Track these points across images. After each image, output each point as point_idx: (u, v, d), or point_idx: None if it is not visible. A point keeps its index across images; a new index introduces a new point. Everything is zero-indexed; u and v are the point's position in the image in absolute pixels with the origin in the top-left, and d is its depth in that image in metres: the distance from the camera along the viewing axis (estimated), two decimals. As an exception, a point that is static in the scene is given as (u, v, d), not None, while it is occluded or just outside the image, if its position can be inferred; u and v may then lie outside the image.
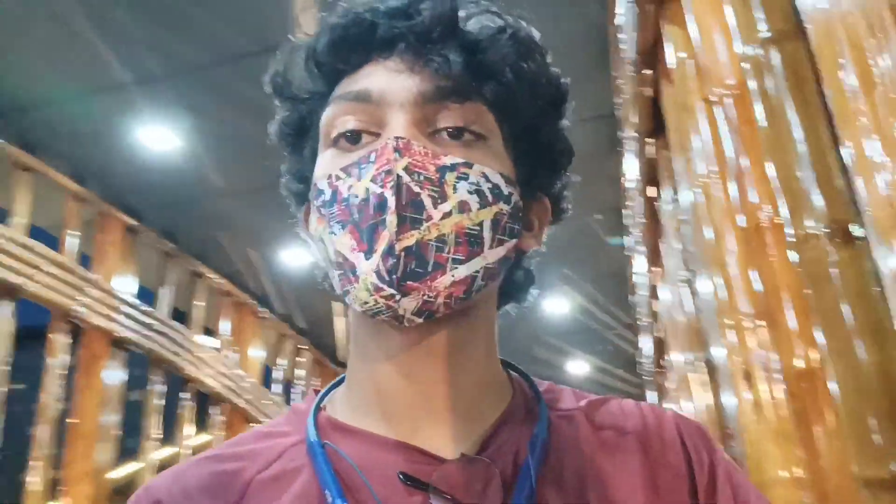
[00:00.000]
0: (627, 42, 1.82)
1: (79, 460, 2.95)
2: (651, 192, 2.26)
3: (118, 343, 3.18)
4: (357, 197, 0.50)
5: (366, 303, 0.49)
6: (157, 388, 3.52)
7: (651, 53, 1.71)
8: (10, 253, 2.66)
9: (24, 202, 2.83)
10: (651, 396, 3.79)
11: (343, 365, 5.31)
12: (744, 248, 1.17)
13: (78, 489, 2.89)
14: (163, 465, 3.52)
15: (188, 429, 3.79)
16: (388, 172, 0.48)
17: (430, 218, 0.48)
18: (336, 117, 0.53)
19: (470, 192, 0.50)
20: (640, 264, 3.02)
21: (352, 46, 0.54)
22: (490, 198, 0.51)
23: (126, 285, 3.34)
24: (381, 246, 0.48)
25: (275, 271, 4.39)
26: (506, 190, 0.53)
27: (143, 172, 3.18)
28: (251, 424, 4.32)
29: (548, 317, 5.34)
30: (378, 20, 0.54)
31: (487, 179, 0.52)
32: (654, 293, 2.87)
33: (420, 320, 0.49)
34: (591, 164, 3.37)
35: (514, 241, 0.54)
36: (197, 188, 3.42)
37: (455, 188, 0.50)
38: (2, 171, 2.83)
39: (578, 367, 6.46)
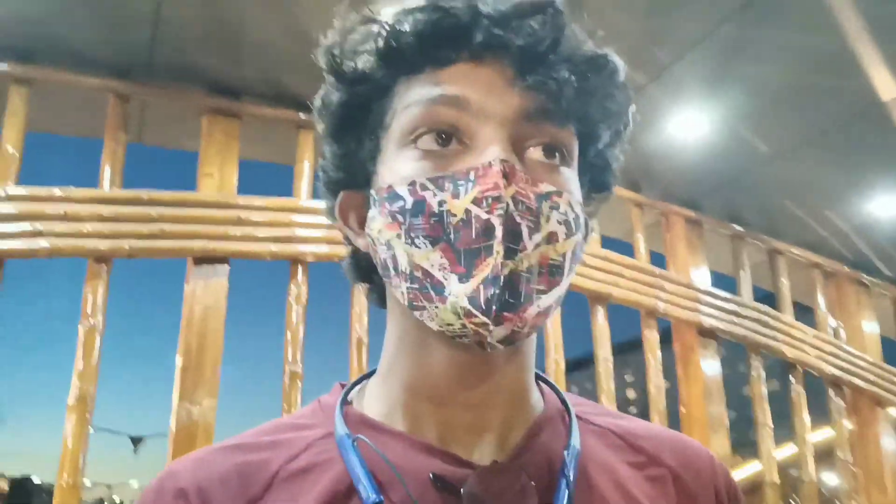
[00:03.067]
0: None
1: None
2: None
3: (705, 333, 3.20)
4: (454, 216, 0.48)
5: (450, 325, 0.48)
6: (758, 375, 3.37)
7: None
8: (593, 266, 3.03)
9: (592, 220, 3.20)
10: None
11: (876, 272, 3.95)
12: None
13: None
14: (782, 467, 3.33)
15: (804, 418, 3.48)
16: (497, 199, 0.47)
17: (524, 248, 0.47)
18: (424, 119, 0.51)
19: (559, 223, 0.49)
20: None
21: (443, 44, 0.51)
22: (573, 228, 0.50)
23: (701, 276, 3.37)
24: (481, 273, 0.47)
25: (864, 228, 3.71)
26: (582, 219, 0.52)
27: (685, 163, 3.19)
28: (888, 409, 3.70)
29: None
30: (478, 22, 0.51)
31: (572, 209, 0.51)
32: None
33: (502, 348, 0.48)
34: None
35: (579, 264, 0.53)
36: (741, 162, 3.21)
37: (548, 219, 0.49)
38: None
39: None
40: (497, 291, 0.46)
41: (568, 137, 0.52)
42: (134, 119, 2.53)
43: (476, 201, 0.47)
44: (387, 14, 0.53)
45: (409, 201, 0.50)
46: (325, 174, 0.59)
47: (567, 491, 0.50)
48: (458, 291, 0.47)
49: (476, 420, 0.53)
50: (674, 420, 2.98)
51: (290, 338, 2.52)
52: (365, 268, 0.57)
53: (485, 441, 0.52)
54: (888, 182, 3.36)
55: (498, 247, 0.46)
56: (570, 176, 0.53)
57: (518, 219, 0.47)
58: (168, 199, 2.42)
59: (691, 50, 2.56)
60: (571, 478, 0.51)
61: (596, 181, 0.58)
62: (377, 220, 0.52)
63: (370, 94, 0.55)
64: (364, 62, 0.54)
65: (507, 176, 0.47)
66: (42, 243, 2.22)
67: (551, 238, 0.49)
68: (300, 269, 2.58)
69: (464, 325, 0.47)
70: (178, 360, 2.35)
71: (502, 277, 0.46)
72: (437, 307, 0.48)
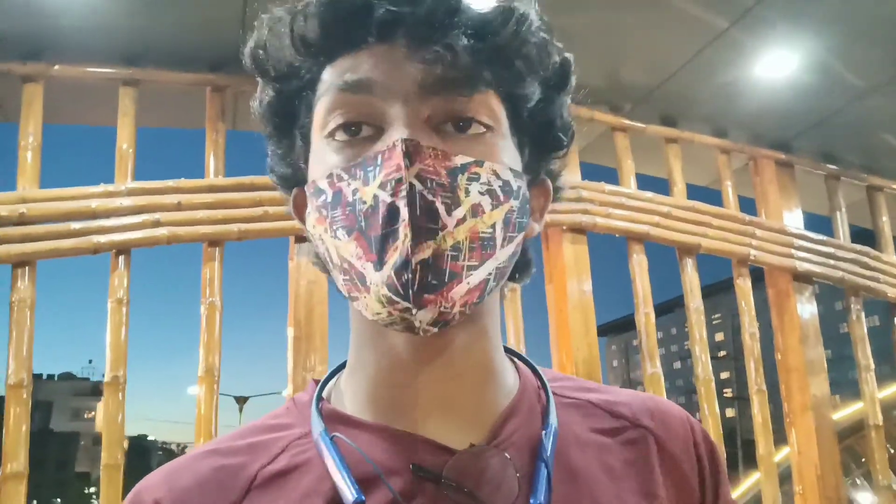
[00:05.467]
0: None
1: (795, 394, 3.04)
2: None
3: (800, 278, 3.14)
4: (364, 203, 0.47)
5: (378, 313, 0.47)
6: (858, 317, 3.28)
7: None
8: (680, 217, 3.01)
9: (676, 169, 3.16)
10: None
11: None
12: None
13: (801, 422, 2.98)
14: (886, 404, 3.24)
15: (911, 357, 3.38)
16: (399, 181, 0.45)
17: (444, 227, 0.46)
18: (333, 108, 0.50)
19: (482, 194, 0.48)
20: None
21: (346, 27, 0.49)
22: (501, 196, 0.49)
23: (794, 220, 3.28)
24: (392, 258, 0.45)
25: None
26: (515, 185, 0.50)
27: (774, 104, 3.07)
28: None
29: None
30: (375, 1, 0.49)
31: (498, 177, 0.49)
32: None
33: (435, 330, 0.47)
34: None
35: (522, 234, 0.52)
36: (833, 99, 3.07)
37: (468, 191, 0.47)
38: (655, 149, 3.23)
39: None
40: (410, 276, 0.45)
41: (482, 103, 0.50)
42: (229, 109, 2.68)
43: (382, 185, 0.46)
44: (299, 6, 0.53)
45: (329, 194, 0.49)
46: (272, 173, 0.59)
47: (546, 469, 0.49)
48: (377, 280, 0.46)
49: (446, 401, 0.51)
50: (769, 366, 2.96)
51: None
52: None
53: (460, 423, 0.51)
54: None
55: (405, 230, 0.45)
56: (496, 142, 0.50)
57: (430, 197, 0.45)
58: (269, 183, 2.56)
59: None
60: (550, 457, 0.50)
61: (541, 140, 0.55)
62: (311, 217, 0.53)
63: (296, 89, 0.54)
64: (282, 57, 0.53)
65: (410, 155, 0.45)
66: (161, 232, 2.43)
67: (476, 211, 0.47)
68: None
69: (390, 313, 0.46)
70: (290, 331, 2.54)
71: (419, 260, 0.45)
72: (365, 297, 0.48)
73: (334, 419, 0.53)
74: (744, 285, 3.10)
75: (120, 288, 2.36)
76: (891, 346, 3.44)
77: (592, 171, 3.19)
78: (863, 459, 5.41)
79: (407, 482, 0.48)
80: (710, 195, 3.38)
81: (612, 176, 3.08)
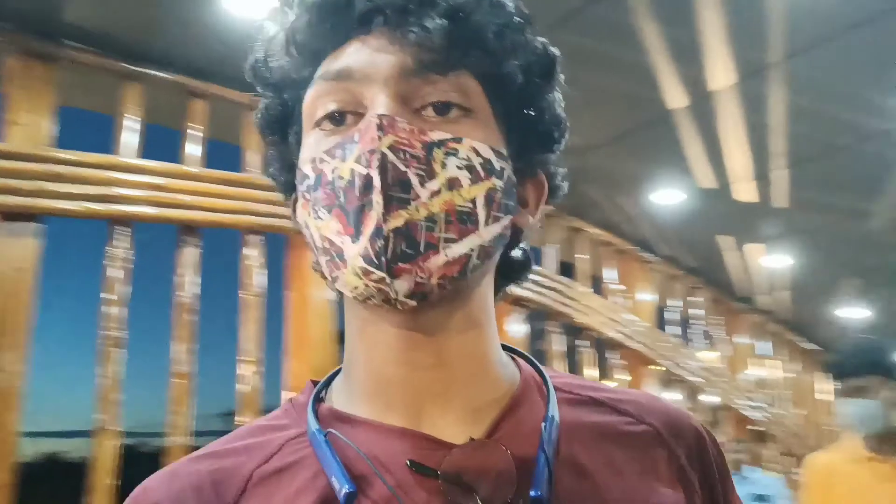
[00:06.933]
0: None
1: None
2: None
3: (517, 301, 3.56)
4: (342, 179, 0.47)
5: (355, 287, 0.48)
6: (555, 336, 3.85)
7: None
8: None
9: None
10: None
11: (744, 300, 4.97)
12: None
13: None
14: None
15: (590, 372, 4.04)
16: (373, 151, 0.46)
17: (417, 197, 0.46)
18: (318, 98, 0.51)
19: (460, 168, 0.48)
20: None
21: (330, 26, 0.51)
22: (482, 173, 0.49)
23: (514, 249, 3.71)
24: (368, 228, 0.46)
25: (653, 214, 4.32)
26: (497, 165, 0.50)
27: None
28: (650, 367, 4.38)
29: None
30: None
31: (478, 154, 0.49)
32: None
33: (413, 303, 0.47)
34: None
35: (510, 217, 0.52)
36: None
37: (444, 165, 0.47)
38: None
39: None
40: (383, 243, 0.45)
41: (461, 86, 0.51)
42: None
43: (358, 159, 0.47)
44: (285, 15, 0.54)
45: (312, 177, 0.50)
46: (274, 181, 0.60)
47: (547, 463, 0.48)
48: (353, 253, 0.47)
49: (440, 393, 0.51)
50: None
51: (109, 301, 2.40)
52: None
53: (457, 417, 0.51)
54: (667, 177, 3.94)
55: (377, 197, 0.45)
56: (475, 124, 0.51)
57: (402, 167, 0.46)
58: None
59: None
60: (551, 450, 0.49)
61: (530, 131, 0.55)
62: (299, 206, 0.53)
63: (293, 94, 0.55)
64: (278, 65, 0.54)
65: (383, 128, 0.46)
66: None
67: (453, 184, 0.47)
68: (121, 229, 2.46)
69: (367, 286, 0.47)
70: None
71: (391, 228, 0.45)
72: (343, 273, 0.48)
73: (330, 417, 0.53)
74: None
75: None
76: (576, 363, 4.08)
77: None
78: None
79: (404, 478, 0.48)
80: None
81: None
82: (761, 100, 3.07)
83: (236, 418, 2.63)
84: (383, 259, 0.45)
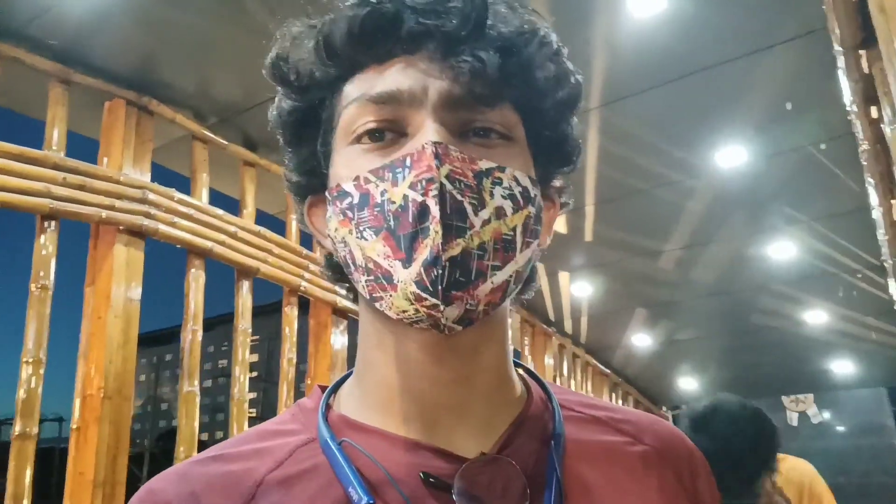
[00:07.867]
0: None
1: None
2: (874, 112, 1.91)
3: (338, 312, 3.52)
4: (393, 203, 0.48)
5: (404, 311, 0.48)
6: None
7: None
8: (245, 240, 3.07)
9: (250, 193, 3.24)
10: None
11: (551, 324, 5.33)
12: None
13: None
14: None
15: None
16: (431, 180, 0.47)
17: (472, 226, 0.48)
18: (361, 115, 0.52)
19: (504, 198, 0.50)
20: (872, 198, 2.59)
21: (374, 39, 0.52)
22: (521, 202, 0.51)
23: (341, 260, 3.68)
24: (421, 255, 0.46)
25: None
26: (532, 192, 0.52)
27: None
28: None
29: (773, 264, 4.83)
30: (404, 14, 0.51)
31: (518, 183, 0.51)
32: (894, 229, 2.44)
33: (460, 328, 0.48)
34: (807, 85, 2.95)
35: (537, 241, 0.54)
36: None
37: (492, 194, 0.49)
38: (232, 168, 3.26)
39: (816, 316, 5.78)
40: (440, 271, 0.46)
41: (503, 115, 0.52)
42: None
43: (412, 186, 0.47)
44: (324, 18, 0.54)
45: (356, 196, 0.50)
46: (288, 182, 0.60)
47: (556, 479, 0.50)
48: (405, 277, 0.47)
49: (457, 407, 0.52)
50: (299, 390, 3.21)
51: None
52: (338, 268, 0.57)
53: (470, 431, 0.52)
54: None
55: (435, 227, 0.46)
56: (514, 153, 0.53)
57: (459, 197, 0.47)
58: None
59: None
60: (559, 465, 0.51)
61: (553, 155, 0.58)
62: (332, 220, 0.53)
63: (318, 98, 0.55)
64: (306, 68, 0.55)
65: (440, 157, 0.47)
66: None
67: (500, 213, 0.49)
68: None
69: (417, 310, 0.47)
70: None
71: (449, 257, 0.46)
72: (391, 296, 0.48)
73: (341, 425, 0.53)
74: (291, 313, 3.32)
75: None
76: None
77: (164, 176, 3.02)
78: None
79: (416, 490, 0.48)
80: (276, 224, 3.55)
81: (184, 185, 2.97)
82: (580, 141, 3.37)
83: (15, 428, 2.28)
84: (439, 287, 0.46)
